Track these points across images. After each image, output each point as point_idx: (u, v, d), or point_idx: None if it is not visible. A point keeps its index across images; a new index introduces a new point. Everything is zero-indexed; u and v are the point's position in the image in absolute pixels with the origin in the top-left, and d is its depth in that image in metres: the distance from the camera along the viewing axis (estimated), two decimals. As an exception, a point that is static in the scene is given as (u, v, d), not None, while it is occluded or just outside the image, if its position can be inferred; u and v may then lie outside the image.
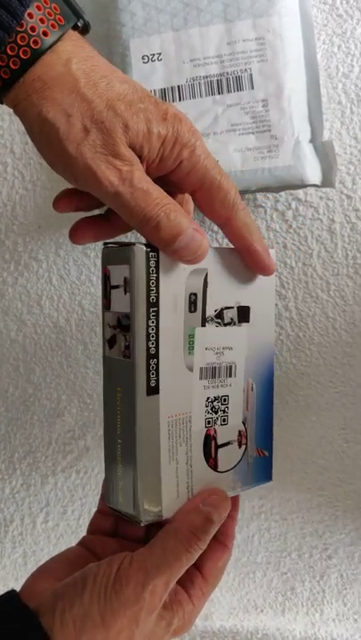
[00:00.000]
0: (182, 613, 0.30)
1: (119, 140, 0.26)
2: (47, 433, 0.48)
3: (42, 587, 0.29)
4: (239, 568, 0.47)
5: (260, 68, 0.40)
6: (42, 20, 0.25)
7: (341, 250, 0.43)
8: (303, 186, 0.40)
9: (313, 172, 0.40)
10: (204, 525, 0.29)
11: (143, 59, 0.40)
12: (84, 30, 0.28)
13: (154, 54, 0.40)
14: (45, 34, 0.25)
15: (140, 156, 0.27)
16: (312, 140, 0.41)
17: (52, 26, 0.26)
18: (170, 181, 0.29)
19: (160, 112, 0.27)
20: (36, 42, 0.25)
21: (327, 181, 0.40)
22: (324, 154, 0.40)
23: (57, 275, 0.46)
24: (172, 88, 0.40)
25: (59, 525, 0.49)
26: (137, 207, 0.26)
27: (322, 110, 0.41)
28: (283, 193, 0.43)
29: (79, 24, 0.27)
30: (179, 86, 0.40)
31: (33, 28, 0.25)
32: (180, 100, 0.40)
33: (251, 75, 0.40)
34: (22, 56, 0.25)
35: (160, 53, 0.40)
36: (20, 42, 0.25)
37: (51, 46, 0.25)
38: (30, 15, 0.25)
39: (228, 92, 0.40)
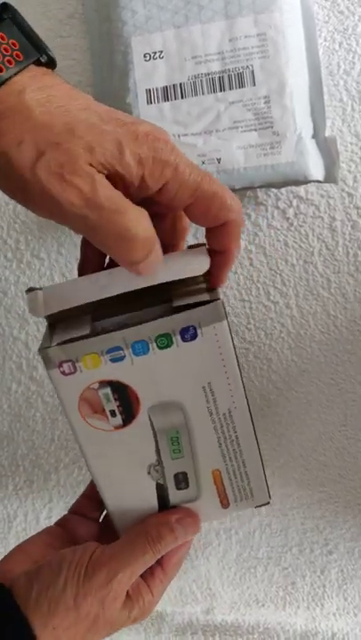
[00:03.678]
0: (142, 603, 0.33)
1: (80, 158, 0.24)
2: (50, 430, 0.48)
3: (17, 567, 0.32)
4: (241, 563, 0.47)
5: (261, 64, 0.40)
6: None
7: (342, 247, 0.43)
8: (306, 182, 0.40)
9: (316, 168, 0.40)
10: (170, 539, 0.33)
11: (145, 57, 0.40)
12: (49, 64, 0.26)
13: (155, 52, 0.40)
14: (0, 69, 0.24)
15: (114, 182, 0.25)
16: (314, 136, 0.41)
17: (9, 62, 0.24)
18: (158, 202, 0.27)
19: (130, 132, 0.25)
20: None
21: (330, 177, 0.40)
22: (327, 149, 0.40)
23: (59, 273, 0.46)
24: (173, 86, 0.40)
25: (61, 521, 0.49)
26: (108, 230, 0.25)
27: (324, 106, 0.41)
28: (284, 190, 0.43)
29: (42, 59, 0.25)
30: (181, 84, 0.40)
31: None
32: (182, 97, 0.40)
33: (253, 71, 0.40)
34: None
35: (162, 51, 0.40)
36: None
37: (5, 82, 0.24)
38: None
39: (230, 89, 0.40)
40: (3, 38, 0.24)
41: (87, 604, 0.31)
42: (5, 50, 0.24)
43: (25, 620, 0.30)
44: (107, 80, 0.42)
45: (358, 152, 0.43)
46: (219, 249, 0.29)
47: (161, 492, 0.33)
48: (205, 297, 0.29)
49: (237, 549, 0.47)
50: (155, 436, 0.32)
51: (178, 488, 0.34)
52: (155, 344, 0.29)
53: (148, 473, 0.33)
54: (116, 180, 0.25)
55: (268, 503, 0.36)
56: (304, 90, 0.41)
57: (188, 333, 0.29)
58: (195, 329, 0.29)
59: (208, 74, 0.40)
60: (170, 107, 0.40)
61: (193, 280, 0.30)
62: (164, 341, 0.29)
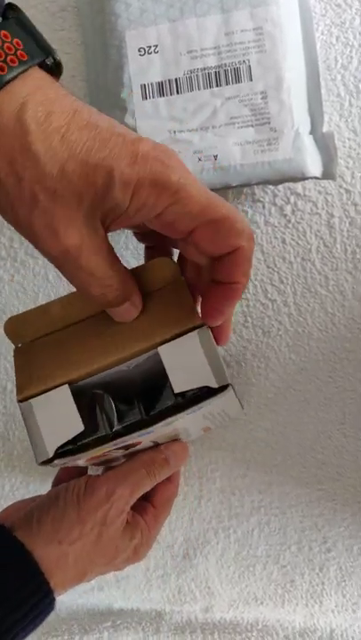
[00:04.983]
0: (140, 533, 0.35)
1: (72, 213, 0.23)
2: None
3: (13, 514, 0.33)
4: (239, 561, 0.47)
5: (258, 59, 0.39)
6: None
7: (340, 244, 0.43)
8: (304, 178, 0.40)
9: (314, 165, 0.40)
10: (162, 462, 0.34)
11: (140, 51, 0.39)
12: (54, 71, 0.25)
13: (150, 46, 0.39)
14: (2, 69, 0.22)
15: (103, 218, 0.24)
16: (312, 132, 0.40)
17: (12, 61, 0.23)
18: (161, 228, 0.26)
19: (128, 154, 0.23)
20: None
21: (328, 173, 0.40)
22: (325, 145, 0.40)
23: (53, 271, 0.45)
24: (169, 81, 0.39)
25: (58, 521, 0.49)
26: (79, 284, 0.26)
27: (322, 101, 0.41)
28: (281, 187, 0.43)
29: (48, 62, 0.24)
30: (176, 79, 0.39)
31: None
32: (177, 93, 0.39)
33: (249, 66, 0.39)
34: None
35: (157, 45, 0.39)
36: None
37: (6, 84, 0.23)
38: None
39: (227, 84, 0.39)
40: (6, 37, 0.23)
41: (90, 518, 0.31)
42: (9, 48, 0.23)
43: (14, 538, 0.30)
44: (101, 74, 0.41)
45: (356, 148, 0.42)
46: (225, 280, 0.27)
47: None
48: (211, 378, 0.26)
49: (236, 548, 0.47)
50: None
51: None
52: (160, 427, 0.29)
53: None
54: (109, 213, 0.24)
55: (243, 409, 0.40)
56: (302, 85, 0.40)
57: (194, 411, 0.28)
58: (201, 407, 0.28)
59: (204, 69, 0.39)
60: (165, 102, 0.39)
61: (181, 311, 0.28)
62: (169, 424, 0.29)
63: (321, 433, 0.45)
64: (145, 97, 0.40)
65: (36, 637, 0.49)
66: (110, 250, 0.26)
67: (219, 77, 0.39)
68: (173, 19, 0.39)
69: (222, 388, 0.27)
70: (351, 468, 0.45)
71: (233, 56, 0.39)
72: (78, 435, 0.27)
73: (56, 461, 0.27)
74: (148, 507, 0.36)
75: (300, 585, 0.47)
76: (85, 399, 0.28)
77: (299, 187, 0.43)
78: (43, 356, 0.29)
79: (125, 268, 0.28)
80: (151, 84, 0.40)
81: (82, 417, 0.27)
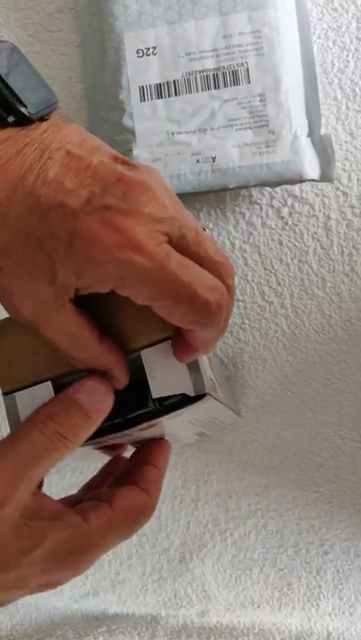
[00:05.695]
0: (74, 532, 0.25)
1: (25, 287, 0.22)
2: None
3: None
4: (236, 565, 0.47)
5: (256, 61, 0.39)
6: None
7: (337, 247, 0.43)
8: (301, 181, 0.40)
9: (311, 167, 0.40)
10: (68, 412, 0.25)
11: (138, 53, 0.39)
12: (26, 120, 0.23)
13: (149, 48, 0.39)
14: None
15: (63, 293, 0.23)
16: (310, 135, 0.41)
17: None
18: None
19: (65, 235, 0.21)
20: None
21: (326, 176, 0.40)
22: (323, 148, 0.40)
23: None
24: (167, 83, 0.39)
25: (53, 525, 0.49)
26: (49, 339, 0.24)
27: (319, 104, 0.41)
28: (278, 189, 0.43)
29: (8, 120, 0.22)
30: (175, 81, 0.39)
31: None
32: (176, 94, 0.39)
33: (247, 69, 0.39)
34: None
35: (155, 47, 0.39)
36: None
37: None
38: None
39: (225, 86, 0.39)
40: None
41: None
42: None
43: None
44: (98, 76, 0.41)
45: (353, 151, 0.42)
46: (187, 340, 0.25)
47: None
48: (190, 387, 0.26)
49: (233, 551, 0.47)
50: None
51: None
52: (138, 430, 0.28)
53: None
54: (65, 289, 0.23)
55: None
56: (299, 88, 0.40)
57: (173, 417, 0.28)
58: (178, 414, 0.28)
59: (202, 71, 0.39)
60: (163, 104, 0.40)
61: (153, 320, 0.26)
62: (148, 427, 0.28)
63: (318, 435, 0.45)
64: (143, 99, 0.40)
65: (31, 643, 0.48)
66: (80, 322, 0.24)
67: (217, 80, 0.39)
68: (172, 21, 0.39)
69: (199, 397, 0.26)
70: (348, 471, 0.45)
71: (231, 59, 0.39)
72: None
73: None
74: (103, 507, 0.27)
75: (297, 588, 0.46)
76: None
77: (296, 189, 0.43)
78: (24, 350, 0.28)
79: (102, 338, 0.25)
80: (149, 86, 0.40)
81: None
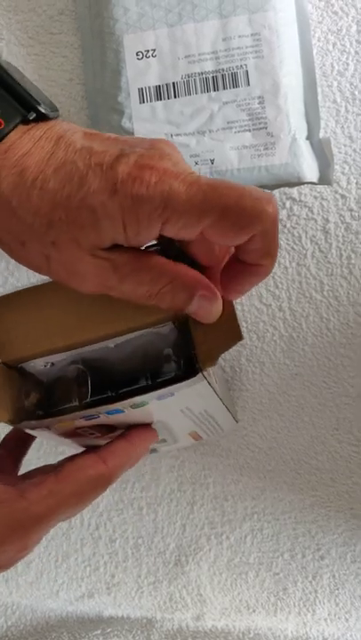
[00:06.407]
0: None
1: (78, 253, 0.24)
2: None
3: None
4: (232, 569, 0.47)
5: (255, 64, 0.39)
6: None
7: (336, 250, 0.43)
8: (300, 183, 0.40)
9: (310, 170, 0.40)
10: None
11: (137, 55, 0.39)
12: (43, 117, 0.25)
13: (148, 50, 0.39)
14: None
15: (109, 246, 0.24)
16: (309, 137, 0.41)
17: None
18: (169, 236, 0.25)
19: (107, 186, 0.22)
20: None
21: (324, 179, 0.40)
22: (321, 151, 0.40)
23: (48, 273, 0.45)
24: (166, 85, 0.39)
25: (49, 527, 0.48)
26: (131, 298, 0.25)
27: (318, 107, 0.41)
28: (277, 192, 0.43)
29: (30, 117, 0.24)
30: (174, 83, 0.39)
31: None
32: (175, 97, 0.39)
33: (247, 71, 0.39)
34: None
35: (155, 49, 0.39)
36: None
37: None
38: None
39: (224, 88, 0.39)
40: None
41: None
42: None
43: None
44: (98, 78, 0.41)
45: (352, 154, 0.42)
46: (248, 262, 0.25)
47: None
48: (181, 365, 0.27)
49: (228, 555, 0.46)
50: None
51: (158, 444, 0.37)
52: (129, 408, 0.29)
53: None
54: (114, 244, 0.24)
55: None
56: (298, 91, 0.40)
57: (165, 397, 0.28)
58: (172, 393, 0.28)
59: (202, 73, 0.39)
60: (162, 106, 0.40)
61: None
62: (139, 405, 0.29)
63: (315, 438, 0.45)
64: (142, 101, 0.40)
65: (25, 645, 0.48)
66: (138, 256, 0.25)
67: (216, 82, 0.39)
68: (172, 23, 0.39)
69: (191, 375, 0.26)
70: (345, 475, 0.45)
71: (230, 61, 0.39)
72: (50, 402, 0.29)
73: (24, 423, 0.28)
74: (47, 478, 0.28)
75: (292, 593, 0.46)
76: (67, 370, 0.30)
77: (294, 192, 0.43)
78: (21, 319, 0.29)
79: (175, 263, 0.25)
80: (149, 88, 0.40)
81: (56, 386, 0.29)
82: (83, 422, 0.29)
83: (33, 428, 0.29)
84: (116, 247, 0.24)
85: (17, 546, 0.26)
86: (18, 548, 0.26)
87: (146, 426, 0.32)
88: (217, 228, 0.23)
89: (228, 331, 0.27)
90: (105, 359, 0.30)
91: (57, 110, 0.26)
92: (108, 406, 0.28)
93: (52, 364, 0.30)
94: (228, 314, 0.27)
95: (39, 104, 0.24)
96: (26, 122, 0.24)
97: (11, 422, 0.28)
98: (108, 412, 0.28)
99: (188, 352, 0.28)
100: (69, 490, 0.28)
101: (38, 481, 0.28)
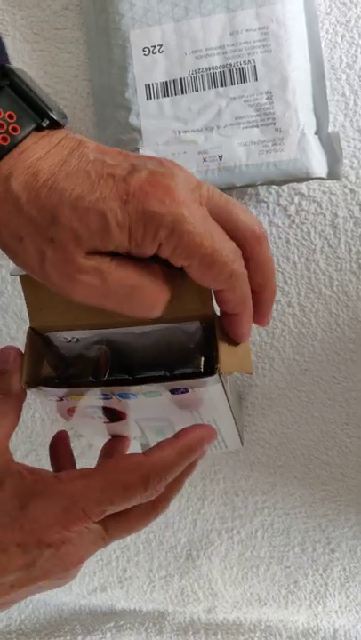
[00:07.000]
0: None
1: (76, 254, 0.24)
2: (49, 431, 0.47)
3: None
4: (243, 562, 0.47)
5: (263, 58, 0.39)
6: None
7: (345, 245, 0.43)
8: (309, 179, 0.40)
9: (319, 165, 0.39)
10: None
11: (144, 50, 0.39)
12: (55, 125, 0.25)
13: (155, 46, 0.39)
14: None
15: (109, 252, 0.24)
16: (317, 132, 0.40)
17: (3, 139, 0.24)
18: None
19: (120, 194, 0.23)
20: None
21: (333, 174, 0.40)
22: (330, 145, 0.40)
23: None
24: (173, 81, 0.39)
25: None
26: (124, 307, 0.25)
27: (327, 101, 0.40)
28: (285, 187, 0.43)
29: (43, 124, 0.25)
30: (181, 79, 0.39)
31: None
32: (182, 93, 0.39)
33: (254, 66, 0.39)
34: None
35: (161, 45, 0.39)
36: None
37: None
38: None
39: (232, 84, 0.39)
40: None
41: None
42: (1, 126, 0.24)
43: None
44: (104, 74, 0.41)
45: (361, 148, 0.42)
46: (224, 310, 0.27)
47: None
48: (201, 363, 0.28)
49: (239, 549, 0.47)
50: (140, 428, 0.35)
51: None
52: (142, 395, 0.29)
53: (134, 438, 0.36)
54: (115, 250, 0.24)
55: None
56: (307, 85, 0.40)
57: (179, 391, 0.29)
58: (186, 389, 0.29)
59: (209, 68, 0.39)
60: (170, 102, 0.39)
61: (204, 294, 0.29)
62: (152, 394, 0.29)
63: (325, 433, 0.45)
64: (149, 97, 0.39)
65: (39, 638, 0.48)
66: (132, 264, 0.25)
67: (224, 77, 0.39)
68: (178, 18, 0.39)
69: (209, 373, 0.28)
70: (355, 469, 0.45)
71: (238, 56, 0.39)
72: (67, 374, 0.30)
73: (39, 388, 0.29)
74: (85, 470, 0.28)
75: (303, 586, 0.47)
76: (90, 348, 0.30)
77: (303, 187, 0.42)
78: (56, 299, 0.29)
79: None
80: (156, 84, 0.39)
81: (77, 361, 0.30)
82: (94, 401, 0.30)
83: (46, 396, 0.29)
84: (112, 255, 0.24)
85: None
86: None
87: (201, 424, 0.31)
88: (197, 270, 0.25)
89: (244, 358, 0.28)
90: (128, 344, 0.30)
91: (66, 117, 0.26)
92: (123, 387, 0.28)
93: (77, 339, 0.30)
94: (245, 348, 0.29)
95: (51, 111, 0.25)
96: (39, 129, 0.25)
97: (27, 385, 0.29)
98: (121, 395, 0.29)
99: (208, 353, 0.28)
100: (105, 481, 0.27)
101: (77, 471, 0.28)
